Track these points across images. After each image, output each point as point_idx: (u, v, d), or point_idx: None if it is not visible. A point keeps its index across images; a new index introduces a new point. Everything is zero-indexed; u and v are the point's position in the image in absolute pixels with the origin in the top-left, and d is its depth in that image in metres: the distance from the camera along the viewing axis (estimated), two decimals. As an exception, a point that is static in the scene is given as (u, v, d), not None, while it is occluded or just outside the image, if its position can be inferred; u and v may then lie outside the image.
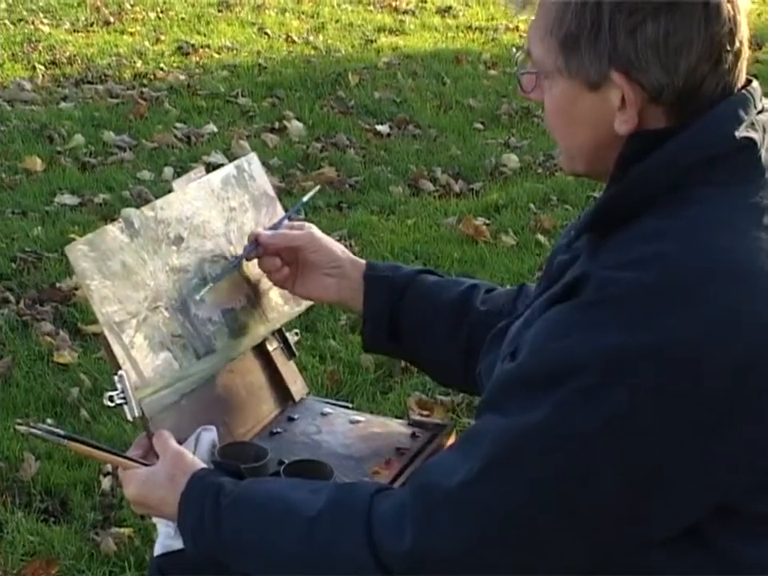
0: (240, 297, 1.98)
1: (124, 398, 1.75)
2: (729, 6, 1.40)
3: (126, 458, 1.75)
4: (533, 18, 1.49)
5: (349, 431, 1.98)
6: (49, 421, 3.45)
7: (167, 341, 1.84)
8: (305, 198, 2.13)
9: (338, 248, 1.98)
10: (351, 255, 1.98)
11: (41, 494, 3.18)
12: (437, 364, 1.99)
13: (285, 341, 2.07)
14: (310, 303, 2.12)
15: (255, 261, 1.97)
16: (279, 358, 2.04)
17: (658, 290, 1.33)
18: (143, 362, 1.79)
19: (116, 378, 1.75)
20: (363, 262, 1.98)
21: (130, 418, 1.77)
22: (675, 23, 1.38)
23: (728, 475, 1.36)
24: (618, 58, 1.40)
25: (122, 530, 3.03)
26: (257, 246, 1.94)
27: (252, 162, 2.09)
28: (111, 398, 1.75)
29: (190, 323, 1.88)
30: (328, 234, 2.03)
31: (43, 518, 3.09)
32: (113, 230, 1.82)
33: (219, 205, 1.98)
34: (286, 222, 2.01)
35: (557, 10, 1.43)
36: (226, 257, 1.97)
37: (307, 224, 1.99)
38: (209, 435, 1.78)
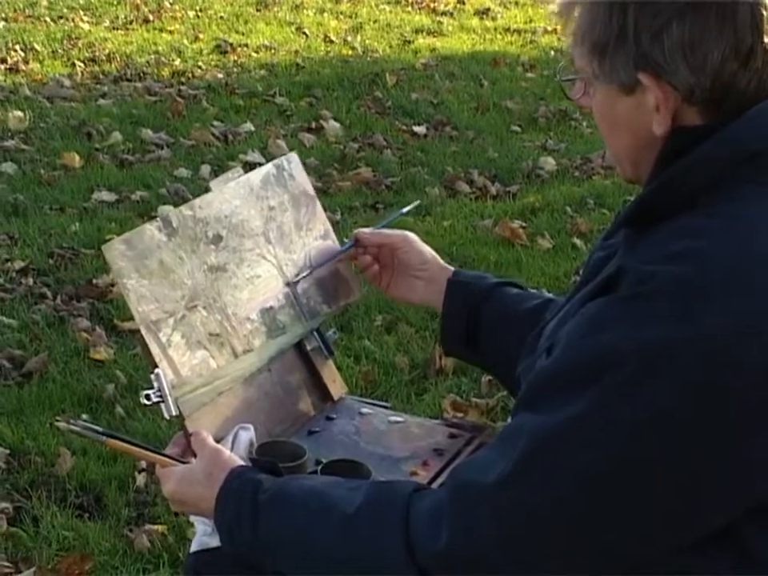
0: (278, 296, 1.97)
1: (161, 397, 1.75)
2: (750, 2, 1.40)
3: (164, 455, 1.75)
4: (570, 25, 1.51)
5: (387, 431, 1.98)
6: (84, 417, 3.46)
7: (204, 339, 1.83)
8: (404, 210, 2.23)
9: (429, 252, 2.06)
10: (441, 260, 2.06)
11: (76, 490, 3.19)
12: (508, 375, 1.98)
13: (323, 340, 2.06)
14: (347, 302, 2.13)
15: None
16: (317, 357, 2.04)
17: (695, 284, 1.32)
18: (180, 360, 1.79)
19: (152, 376, 1.75)
20: (451, 268, 2.04)
21: (167, 416, 1.77)
22: (696, 23, 1.38)
23: (760, 470, 1.34)
24: (646, 60, 1.41)
25: (156, 526, 3.03)
26: (354, 243, 2.05)
27: (292, 161, 2.09)
28: (148, 396, 1.75)
29: (227, 322, 1.87)
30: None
31: (78, 514, 3.10)
32: (150, 229, 1.82)
33: (258, 204, 1.98)
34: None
35: (588, 17, 1.46)
36: (265, 256, 1.96)
37: (405, 231, 2.09)
38: (246, 434, 1.78)
